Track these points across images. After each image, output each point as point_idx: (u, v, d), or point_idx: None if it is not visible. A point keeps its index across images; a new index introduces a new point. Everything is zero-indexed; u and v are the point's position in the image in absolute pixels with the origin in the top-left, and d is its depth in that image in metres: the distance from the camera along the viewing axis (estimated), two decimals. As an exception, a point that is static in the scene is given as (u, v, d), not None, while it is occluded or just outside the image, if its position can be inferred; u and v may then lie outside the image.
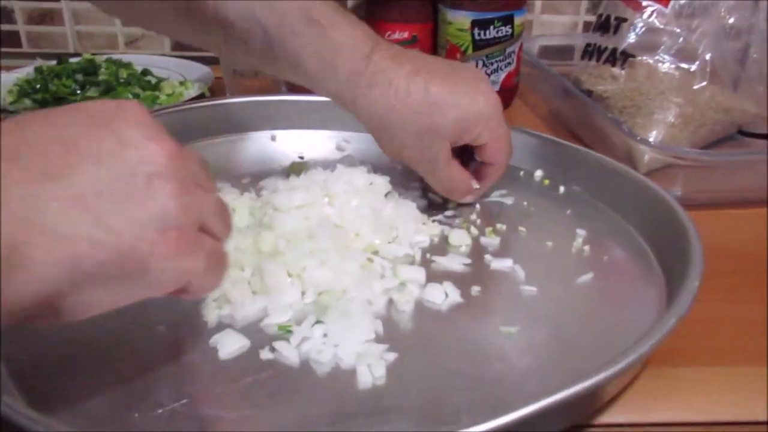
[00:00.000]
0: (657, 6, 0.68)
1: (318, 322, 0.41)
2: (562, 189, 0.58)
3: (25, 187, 0.25)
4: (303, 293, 0.43)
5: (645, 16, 0.69)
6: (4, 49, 0.93)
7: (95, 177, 0.27)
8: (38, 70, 0.80)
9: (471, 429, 0.30)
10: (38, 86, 0.76)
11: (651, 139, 0.63)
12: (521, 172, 0.61)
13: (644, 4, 0.69)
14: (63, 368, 0.37)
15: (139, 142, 0.28)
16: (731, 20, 0.70)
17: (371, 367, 0.37)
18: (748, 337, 0.44)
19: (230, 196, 0.52)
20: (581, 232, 0.52)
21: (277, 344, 0.39)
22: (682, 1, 0.69)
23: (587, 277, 0.46)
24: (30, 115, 0.28)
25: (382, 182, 0.54)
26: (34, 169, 0.26)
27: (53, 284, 0.26)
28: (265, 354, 0.39)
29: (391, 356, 0.39)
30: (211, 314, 0.42)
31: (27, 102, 0.74)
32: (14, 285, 0.25)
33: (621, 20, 0.70)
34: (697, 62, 0.67)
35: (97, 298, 0.28)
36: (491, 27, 0.76)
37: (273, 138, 0.66)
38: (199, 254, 0.30)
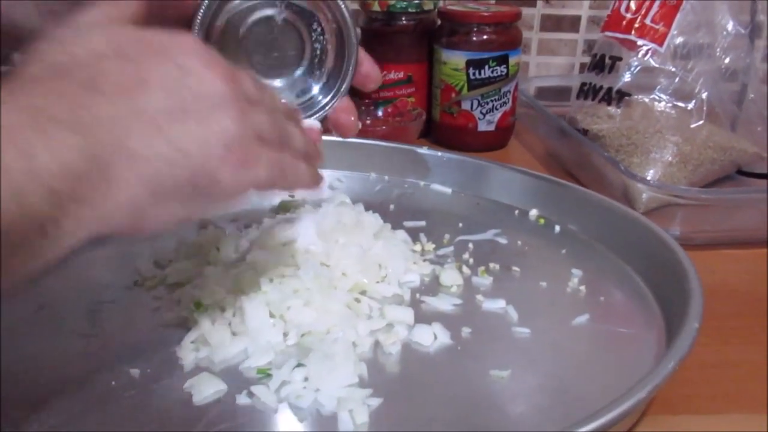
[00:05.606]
0: (652, 45, 0.68)
1: (299, 365, 0.39)
2: (557, 228, 0.57)
3: (108, 111, 0.28)
4: (285, 334, 0.42)
5: (640, 55, 0.68)
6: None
7: (163, 102, 0.29)
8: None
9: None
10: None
11: (649, 178, 0.62)
12: (516, 212, 0.60)
13: (639, 43, 0.69)
14: (24, 413, 0.35)
15: (198, 69, 0.30)
16: (727, 60, 0.70)
17: (353, 413, 0.35)
18: (750, 381, 0.41)
19: (215, 233, 0.51)
20: (577, 272, 0.50)
21: (255, 389, 0.37)
22: (678, 41, 0.69)
23: (583, 319, 0.44)
24: (87, 41, 0.30)
25: (371, 220, 0.52)
26: (111, 95, 0.28)
27: (137, 201, 0.28)
28: (242, 399, 0.37)
29: (375, 401, 0.37)
30: (188, 357, 0.40)
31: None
32: (105, 202, 0.27)
33: (616, 59, 0.70)
34: (694, 101, 0.66)
35: (173, 212, 0.31)
36: (486, 67, 0.76)
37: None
38: (259, 165, 0.32)
